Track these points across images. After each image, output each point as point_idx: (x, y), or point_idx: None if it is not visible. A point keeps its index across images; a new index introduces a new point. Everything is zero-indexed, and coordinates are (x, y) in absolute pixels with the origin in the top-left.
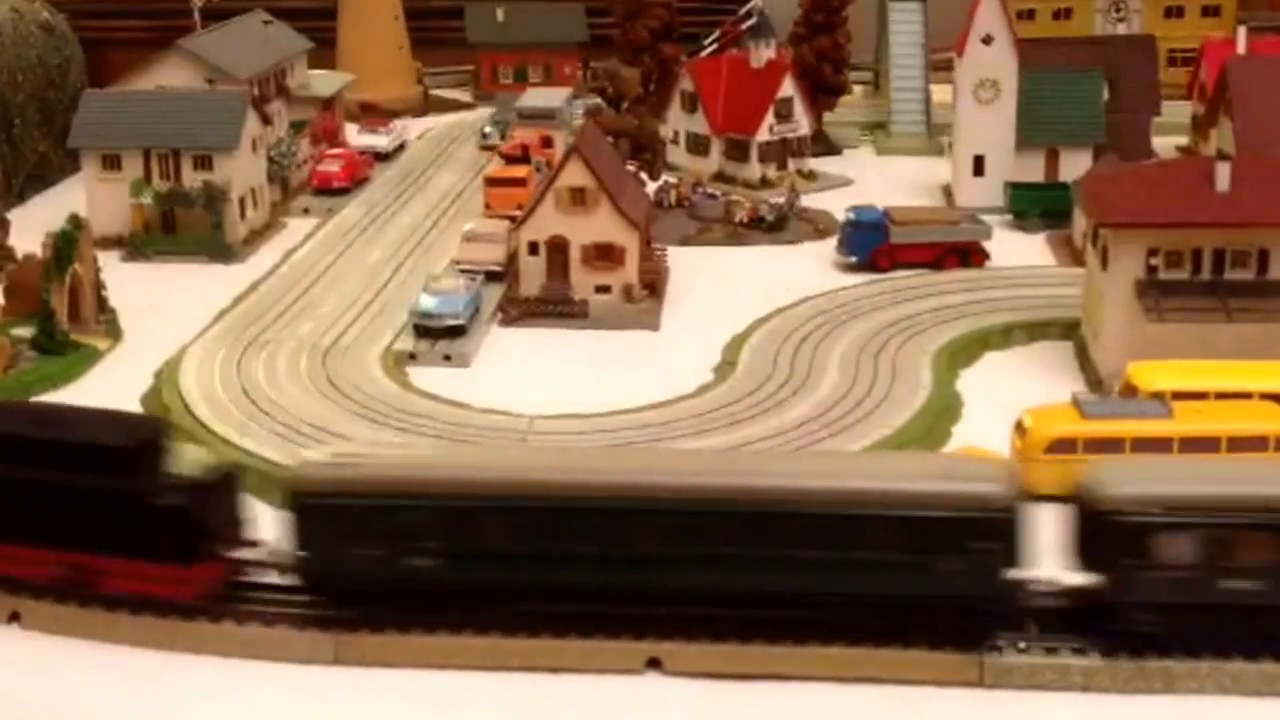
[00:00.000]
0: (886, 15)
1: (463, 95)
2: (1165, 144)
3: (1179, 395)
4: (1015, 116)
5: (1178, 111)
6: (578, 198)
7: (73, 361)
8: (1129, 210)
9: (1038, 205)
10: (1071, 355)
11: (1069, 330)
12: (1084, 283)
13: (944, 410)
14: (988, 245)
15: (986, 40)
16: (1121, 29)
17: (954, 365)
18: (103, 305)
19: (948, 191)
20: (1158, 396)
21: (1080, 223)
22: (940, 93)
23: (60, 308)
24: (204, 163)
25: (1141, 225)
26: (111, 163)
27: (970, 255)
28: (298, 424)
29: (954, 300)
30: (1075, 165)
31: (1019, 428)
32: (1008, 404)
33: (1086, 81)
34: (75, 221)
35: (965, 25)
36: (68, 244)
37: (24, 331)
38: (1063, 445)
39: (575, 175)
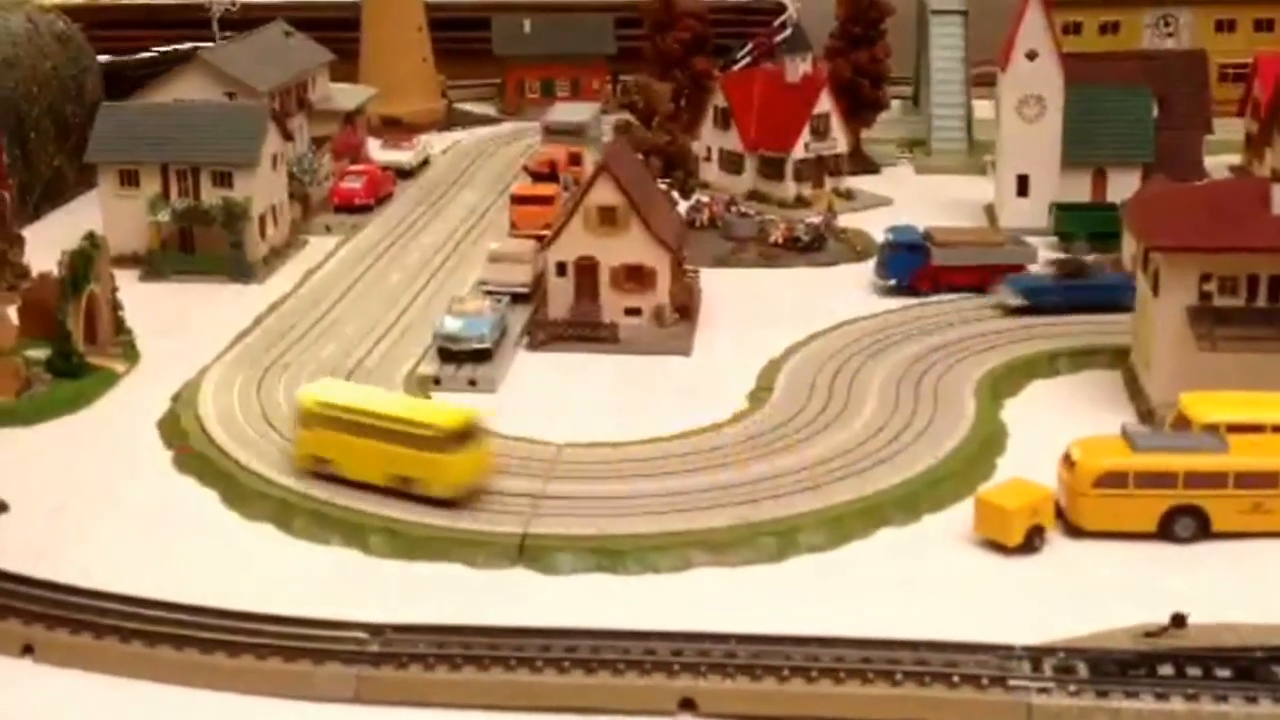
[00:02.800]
0: (926, 28)
1: (488, 109)
2: (1217, 163)
3: (1234, 428)
4: (1061, 135)
5: (1230, 129)
6: (607, 217)
7: (89, 385)
8: (1181, 233)
9: (1084, 227)
10: (1121, 385)
11: (1118, 358)
12: (1134, 308)
13: (988, 441)
14: (1032, 268)
15: (1031, 55)
16: (1171, 43)
17: (998, 394)
18: (119, 326)
19: (990, 212)
20: (1212, 429)
21: (1129, 245)
22: (982, 108)
23: (76, 329)
24: (223, 179)
25: (1194, 249)
26: (129, 178)
27: None
28: None
29: (997, 326)
30: (1123, 185)
31: (1066, 460)
32: (1054, 435)
33: (1135, 98)
34: (93, 240)
35: (1008, 39)
36: (85, 263)
37: (39, 353)
38: (1112, 479)
39: (605, 194)
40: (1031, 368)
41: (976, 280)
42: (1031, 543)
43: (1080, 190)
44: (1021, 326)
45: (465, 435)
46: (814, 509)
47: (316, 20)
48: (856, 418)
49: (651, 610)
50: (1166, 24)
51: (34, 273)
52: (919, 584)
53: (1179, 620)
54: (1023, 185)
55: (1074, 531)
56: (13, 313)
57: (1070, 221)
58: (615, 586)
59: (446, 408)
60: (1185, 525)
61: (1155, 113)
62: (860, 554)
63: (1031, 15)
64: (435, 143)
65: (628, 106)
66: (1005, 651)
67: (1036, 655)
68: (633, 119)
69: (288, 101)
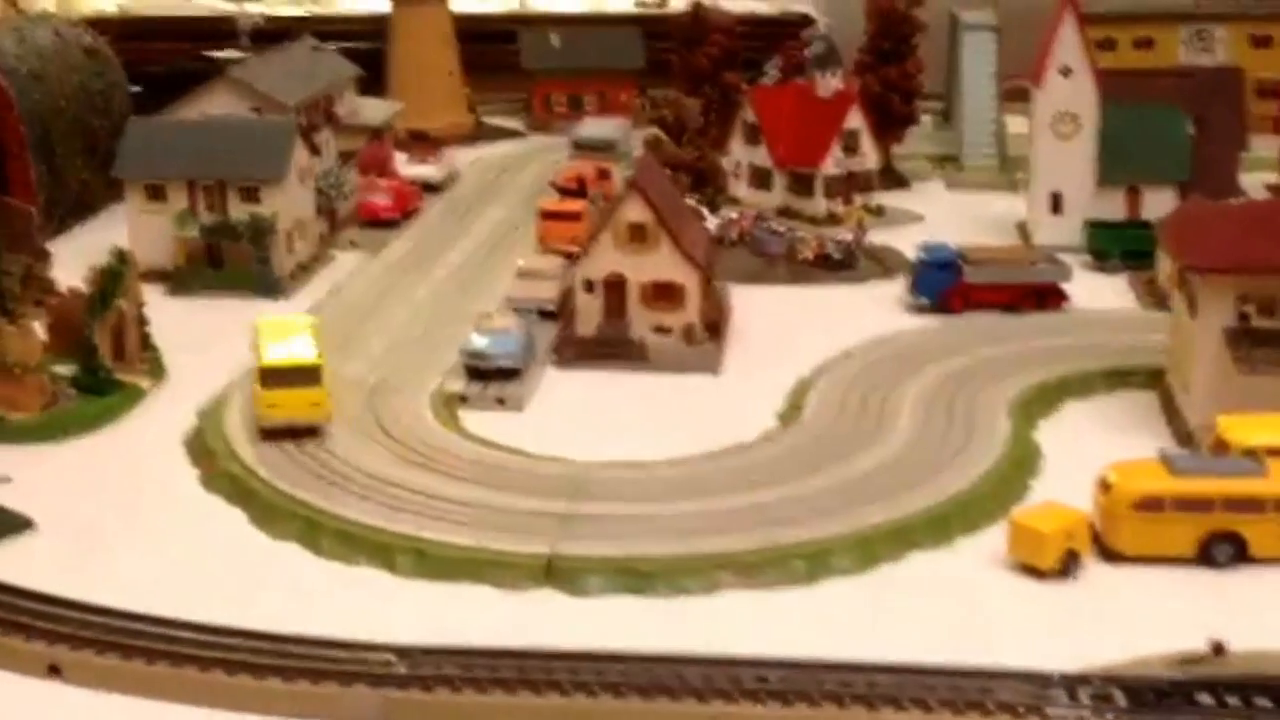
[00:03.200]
0: (958, 42)
1: (516, 124)
2: (1254, 181)
3: (1274, 452)
4: (1095, 152)
5: (1267, 146)
6: (636, 234)
7: (115, 401)
8: (1217, 253)
9: (1119, 245)
10: (1157, 406)
11: (1154, 379)
12: (1170, 329)
13: (1022, 463)
14: (1066, 287)
15: (1065, 72)
16: (1206, 59)
17: (1032, 415)
18: (146, 342)
19: (1024, 229)
20: (1251, 453)
21: (1164, 263)
22: (1014, 123)
23: (103, 345)
24: (251, 194)
25: (1231, 270)
26: (156, 193)
27: (1047, 297)
28: (344, 468)
29: (1031, 345)
30: (1158, 204)
31: (1102, 484)
32: (1089, 457)
33: (1170, 116)
34: (121, 256)
35: (1041, 54)
36: (113, 279)
37: (65, 370)
38: (1150, 503)
39: (634, 210)
40: (1066, 388)
41: (1009, 299)
42: (1066, 567)
43: (1115, 208)
44: (1054, 347)
45: (279, 375)
46: (845, 531)
47: (344, 34)
48: (888, 438)
49: (681, 633)
50: (1202, 39)
51: (61, 288)
52: (952, 608)
53: (1218, 648)
54: (1056, 203)
55: (1110, 556)
56: (40, 328)
57: (1104, 240)
58: (644, 608)
59: (299, 350)
60: (1223, 551)
61: (1191, 130)
62: (892, 577)
63: (1065, 31)
64: (462, 157)
65: (657, 121)
66: (1042, 679)
67: (1073, 683)
68: (662, 134)
69: (315, 116)
